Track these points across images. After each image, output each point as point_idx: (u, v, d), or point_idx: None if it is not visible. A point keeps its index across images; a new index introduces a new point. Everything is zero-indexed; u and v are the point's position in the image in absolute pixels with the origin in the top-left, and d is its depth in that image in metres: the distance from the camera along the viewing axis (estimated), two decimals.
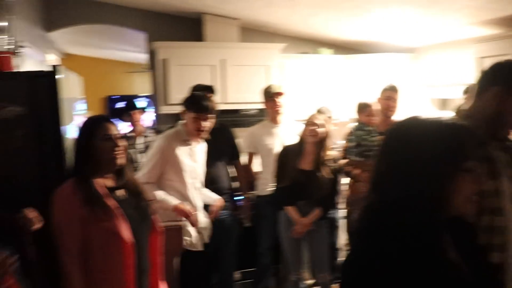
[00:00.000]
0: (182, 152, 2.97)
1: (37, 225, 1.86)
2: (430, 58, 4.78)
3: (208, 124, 2.96)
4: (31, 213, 1.85)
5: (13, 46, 2.38)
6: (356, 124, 3.65)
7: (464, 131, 1.13)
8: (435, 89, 4.68)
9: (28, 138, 2.10)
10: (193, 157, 3.04)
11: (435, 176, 1.07)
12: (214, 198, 3.23)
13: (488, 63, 3.47)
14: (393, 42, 4.87)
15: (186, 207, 2.76)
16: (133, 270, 1.99)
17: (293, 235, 3.35)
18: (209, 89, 3.57)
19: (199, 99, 2.95)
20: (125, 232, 1.96)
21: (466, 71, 3.94)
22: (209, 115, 2.95)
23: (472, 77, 3.69)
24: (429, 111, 4.47)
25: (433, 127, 1.12)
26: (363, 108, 3.64)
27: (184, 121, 3.04)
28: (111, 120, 2.12)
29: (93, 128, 2.04)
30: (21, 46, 2.55)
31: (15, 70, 2.37)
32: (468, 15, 3.59)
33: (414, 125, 1.16)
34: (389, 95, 3.73)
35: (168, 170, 2.93)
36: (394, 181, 1.11)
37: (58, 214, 1.94)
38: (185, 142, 3.01)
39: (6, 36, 2.32)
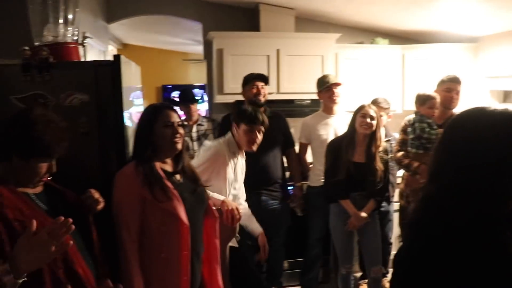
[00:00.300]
0: (229, 164, 2.94)
1: (101, 206, 1.93)
2: (491, 48, 4.56)
3: (261, 136, 2.95)
4: (96, 194, 1.93)
5: (78, 38, 2.48)
6: (416, 116, 3.54)
7: None
8: (496, 80, 4.48)
9: (91, 124, 2.19)
10: (235, 171, 2.99)
11: (500, 169, 1.04)
12: (256, 227, 3.11)
13: None
14: (453, 31, 4.68)
15: (234, 203, 2.76)
16: (188, 252, 2.04)
17: (348, 228, 3.33)
18: (262, 78, 3.60)
19: (252, 111, 2.94)
20: (183, 214, 2.02)
21: None
22: (262, 127, 2.93)
23: None
24: (490, 103, 4.30)
25: (500, 119, 1.09)
26: (425, 100, 3.52)
27: (232, 133, 3.00)
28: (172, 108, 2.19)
29: (155, 115, 2.12)
30: (86, 37, 2.65)
31: (81, 60, 2.47)
32: None
33: (479, 116, 1.13)
34: (450, 86, 3.61)
35: (212, 178, 2.88)
36: (455, 172, 1.09)
37: (119, 194, 2.04)
38: (234, 154, 2.97)
39: (73, 28, 2.42)
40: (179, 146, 2.14)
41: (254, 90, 3.55)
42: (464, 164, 1.08)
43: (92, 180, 2.15)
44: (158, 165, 2.10)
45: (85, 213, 1.88)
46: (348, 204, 3.29)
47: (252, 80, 3.58)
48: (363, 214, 3.29)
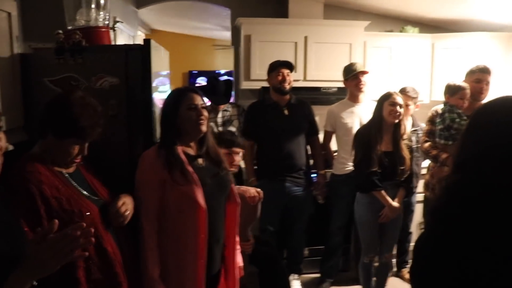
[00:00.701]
0: None
1: (127, 220, 1.93)
2: None
3: (238, 157, 2.97)
4: (124, 206, 1.92)
5: (109, 22, 2.53)
6: (446, 106, 3.49)
7: None
8: None
9: (120, 107, 2.24)
10: None
11: None
12: None
13: None
14: (486, 19, 4.57)
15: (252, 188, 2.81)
16: (205, 236, 2.07)
17: (382, 219, 3.32)
18: (287, 65, 3.60)
19: (229, 136, 2.98)
20: (201, 198, 2.05)
21: None
22: (238, 149, 2.94)
23: None
24: None
25: None
26: (456, 91, 3.46)
27: None
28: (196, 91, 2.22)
29: (179, 98, 2.16)
30: (116, 22, 2.70)
31: (111, 44, 2.53)
32: None
33: (507, 104, 1.12)
34: (480, 77, 3.54)
35: None
36: (480, 163, 1.08)
37: (140, 175, 2.09)
38: None
39: (104, 13, 2.47)
40: (204, 128, 2.16)
41: (280, 77, 3.57)
42: (489, 154, 1.07)
43: (120, 162, 2.22)
44: (180, 148, 2.13)
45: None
46: (384, 195, 3.27)
47: (277, 67, 3.59)
48: (397, 205, 3.28)
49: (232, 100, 4.48)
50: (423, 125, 3.86)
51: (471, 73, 3.62)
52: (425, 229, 1.20)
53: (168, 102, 2.21)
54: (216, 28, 6.78)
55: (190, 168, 2.08)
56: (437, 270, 1.07)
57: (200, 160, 2.20)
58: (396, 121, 3.24)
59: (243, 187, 2.74)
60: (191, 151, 2.20)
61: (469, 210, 1.06)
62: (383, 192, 3.26)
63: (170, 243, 2.08)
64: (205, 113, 2.16)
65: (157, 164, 2.05)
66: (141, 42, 2.34)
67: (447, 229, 1.09)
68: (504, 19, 4.47)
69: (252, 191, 2.70)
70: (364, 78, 3.72)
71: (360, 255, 3.55)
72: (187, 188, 2.04)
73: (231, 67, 5.47)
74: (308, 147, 3.79)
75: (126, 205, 1.92)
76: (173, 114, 2.13)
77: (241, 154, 3.01)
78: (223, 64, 8.52)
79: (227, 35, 5.55)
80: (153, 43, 2.33)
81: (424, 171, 3.92)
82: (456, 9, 4.42)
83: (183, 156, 2.11)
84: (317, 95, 4.41)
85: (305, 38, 4.42)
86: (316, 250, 4.14)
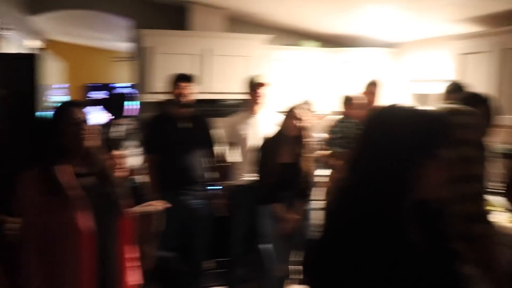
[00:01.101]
0: None
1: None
2: (412, 54, 4.82)
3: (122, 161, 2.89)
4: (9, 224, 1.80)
5: None
6: (343, 117, 3.68)
7: (436, 119, 1.16)
8: (417, 84, 4.74)
9: (5, 120, 2.08)
10: None
11: (404, 160, 1.10)
12: None
13: (468, 60, 3.60)
14: (378, 36, 4.90)
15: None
16: (92, 261, 1.96)
17: (281, 232, 3.35)
18: (186, 78, 3.57)
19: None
20: (84, 222, 1.94)
21: (447, 67, 4.01)
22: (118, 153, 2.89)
23: (452, 73, 3.76)
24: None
25: (407, 114, 1.17)
26: (348, 101, 3.68)
27: None
28: (85, 105, 2.11)
29: (60, 113, 2.04)
30: (4, 29, 2.52)
31: None
32: (450, 12, 3.63)
33: (391, 112, 1.20)
34: (371, 89, 3.80)
35: None
36: (368, 163, 1.15)
37: (18, 200, 1.94)
38: None
39: None
40: (86, 143, 2.04)
41: (178, 91, 3.53)
42: (374, 155, 1.14)
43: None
44: (66, 168, 2.00)
45: None
46: (281, 208, 3.32)
47: (175, 81, 3.55)
48: (294, 216, 3.34)
49: (134, 113, 4.35)
50: (322, 135, 4.01)
51: (366, 85, 3.86)
52: (320, 231, 1.23)
53: (50, 118, 2.07)
54: (117, 39, 6.58)
55: (75, 190, 1.96)
56: (325, 270, 1.11)
57: (88, 178, 2.07)
58: (295, 133, 3.33)
59: (146, 203, 2.65)
60: (81, 169, 2.06)
61: (357, 212, 1.12)
62: (279, 204, 3.31)
63: (54, 273, 1.95)
64: (88, 127, 2.05)
65: (35, 189, 1.91)
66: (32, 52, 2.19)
67: (336, 231, 1.14)
68: (391, 37, 4.84)
69: (154, 205, 2.63)
70: (262, 90, 3.78)
71: (264, 265, 3.57)
72: (68, 214, 1.92)
73: (132, 80, 5.33)
74: (208, 160, 3.77)
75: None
76: (53, 130, 2.01)
77: (125, 158, 2.91)
78: (123, 76, 8.26)
79: (127, 46, 5.41)
80: (45, 53, 2.20)
81: (322, 179, 4.05)
82: (352, 26, 4.68)
83: (69, 176, 1.98)
84: (219, 107, 4.43)
85: (208, 50, 4.43)
86: (221, 262, 4.11)
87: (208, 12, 4.63)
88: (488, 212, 1.70)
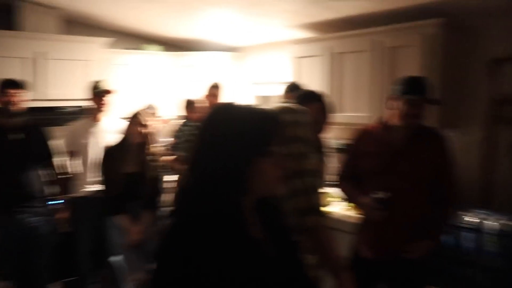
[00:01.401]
0: None
1: None
2: (254, 57, 5.04)
3: None
4: None
5: None
6: (186, 120, 3.68)
7: (268, 117, 1.19)
8: (258, 86, 4.96)
9: None
10: None
11: (238, 158, 1.11)
12: None
13: (303, 63, 3.86)
14: (220, 41, 5.00)
15: None
16: None
17: (128, 244, 3.22)
18: (14, 84, 3.25)
19: None
20: None
21: (285, 70, 4.25)
22: None
23: (290, 75, 4.00)
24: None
25: (240, 113, 1.18)
26: (190, 105, 3.70)
27: None
28: None
29: None
30: None
31: None
32: (285, 19, 3.85)
33: (226, 110, 1.20)
34: (213, 92, 3.87)
35: None
36: (206, 161, 1.14)
37: None
38: None
39: None
40: None
41: (6, 99, 3.20)
42: (212, 153, 1.13)
43: None
44: None
45: None
46: (125, 219, 3.19)
47: (2, 87, 3.21)
48: (140, 227, 3.23)
49: None
50: (168, 140, 3.97)
51: (208, 87, 3.92)
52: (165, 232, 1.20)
53: None
54: None
55: None
56: (168, 270, 1.08)
57: None
58: (140, 140, 3.22)
59: None
60: None
61: (196, 210, 1.11)
62: (124, 216, 3.20)
63: None
64: None
65: None
66: None
67: (175, 230, 1.12)
68: (236, 41, 4.99)
69: None
70: (107, 98, 3.62)
71: (116, 279, 3.41)
72: None
73: None
74: (46, 172, 3.48)
75: None
76: None
77: None
78: None
79: None
80: None
81: (172, 185, 4.01)
82: (195, 30, 4.70)
83: None
84: (56, 115, 4.12)
85: (42, 54, 4.10)
86: (70, 282, 3.82)
87: (40, 12, 4.27)
88: (320, 204, 1.81)
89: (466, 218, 2.80)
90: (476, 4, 2.96)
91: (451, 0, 2.92)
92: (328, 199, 3.47)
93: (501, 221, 2.70)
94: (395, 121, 2.37)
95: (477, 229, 2.74)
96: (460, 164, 2.60)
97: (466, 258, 2.76)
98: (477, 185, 3.14)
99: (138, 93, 4.67)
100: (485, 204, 3.03)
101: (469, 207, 2.90)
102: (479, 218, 2.77)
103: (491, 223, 2.71)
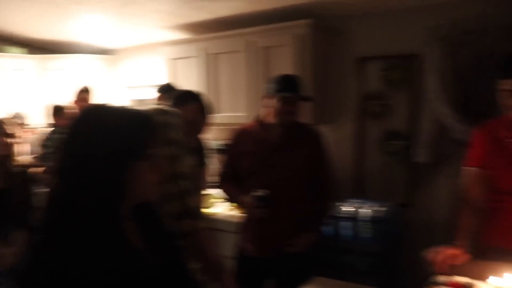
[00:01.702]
0: None
1: None
2: (128, 60, 4.87)
3: None
4: None
5: None
6: (55, 128, 3.42)
7: (143, 118, 1.13)
8: (133, 90, 4.81)
9: None
10: None
11: (113, 163, 1.04)
12: None
13: (178, 64, 3.80)
14: (92, 43, 4.75)
15: None
16: None
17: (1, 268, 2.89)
18: None
19: None
20: None
21: (159, 72, 4.17)
22: None
23: (164, 77, 3.91)
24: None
25: (113, 114, 1.11)
26: (59, 111, 3.46)
27: None
28: None
29: None
30: None
31: None
32: (158, 20, 3.76)
33: (97, 112, 1.12)
34: (83, 96, 3.67)
35: None
36: (77, 168, 1.04)
37: None
38: None
39: None
40: None
41: None
42: (83, 159, 1.04)
43: None
44: None
45: None
46: None
47: None
48: (10, 250, 2.93)
49: None
50: (36, 149, 3.69)
51: (78, 92, 3.71)
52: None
53: None
54: None
55: None
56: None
57: None
58: (5, 152, 2.92)
59: None
60: None
61: (70, 217, 1.01)
62: None
63: None
64: None
65: None
66: None
67: (50, 240, 1.01)
68: (108, 43, 4.78)
69: None
70: None
71: None
72: None
73: None
74: None
75: None
76: None
77: None
78: None
79: None
80: None
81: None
82: (63, 32, 4.39)
83: None
84: None
85: None
86: None
87: None
88: (197, 207, 1.78)
89: (343, 208, 2.95)
90: (341, 7, 3.14)
91: (318, 2, 3.07)
92: (211, 200, 3.46)
93: (374, 208, 2.89)
94: (271, 119, 2.41)
95: (353, 218, 2.90)
96: (335, 157, 2.73)
97: (345, 246, 2.92)
98: (351, 176, 3.33)
99: (4, 100, 4.25)
100: (359, 193, 3.22)
101: (345, 197, 3.07)
102: (354, 207, 2.94)
103: (365, 210, 2.89)
